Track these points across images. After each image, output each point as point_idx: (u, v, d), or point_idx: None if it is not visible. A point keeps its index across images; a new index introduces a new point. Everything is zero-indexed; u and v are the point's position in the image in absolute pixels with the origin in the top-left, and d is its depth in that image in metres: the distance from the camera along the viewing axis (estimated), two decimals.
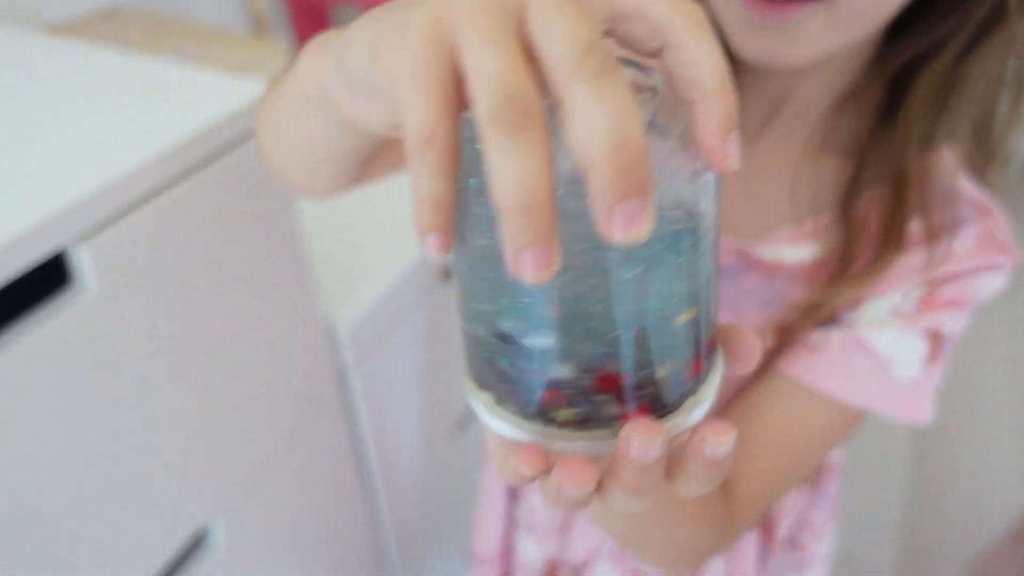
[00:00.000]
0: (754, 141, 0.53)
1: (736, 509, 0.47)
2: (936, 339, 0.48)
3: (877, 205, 0.49)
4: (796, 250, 0.51)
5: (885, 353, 0.47)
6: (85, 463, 0.52)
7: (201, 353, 0.59)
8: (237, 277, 0.61)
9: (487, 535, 0.75)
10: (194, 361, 0.59)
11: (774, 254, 0.51)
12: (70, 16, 1.09)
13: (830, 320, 0.49)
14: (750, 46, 0.43)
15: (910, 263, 0.48)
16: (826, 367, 0.48)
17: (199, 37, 1.05)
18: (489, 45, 0.20)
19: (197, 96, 0.58)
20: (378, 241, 0.87)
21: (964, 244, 0.48)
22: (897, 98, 0.47)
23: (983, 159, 0.49)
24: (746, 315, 0.53)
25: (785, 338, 0.51)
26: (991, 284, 0.49)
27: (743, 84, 0.53)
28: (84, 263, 0.48)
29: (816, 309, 0.48)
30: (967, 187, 0.50)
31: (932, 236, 0.47)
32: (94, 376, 0.51)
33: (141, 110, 0.56)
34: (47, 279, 0.48)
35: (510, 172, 0.19)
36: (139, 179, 0.49)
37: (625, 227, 0.18)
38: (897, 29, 0.46)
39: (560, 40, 0.20)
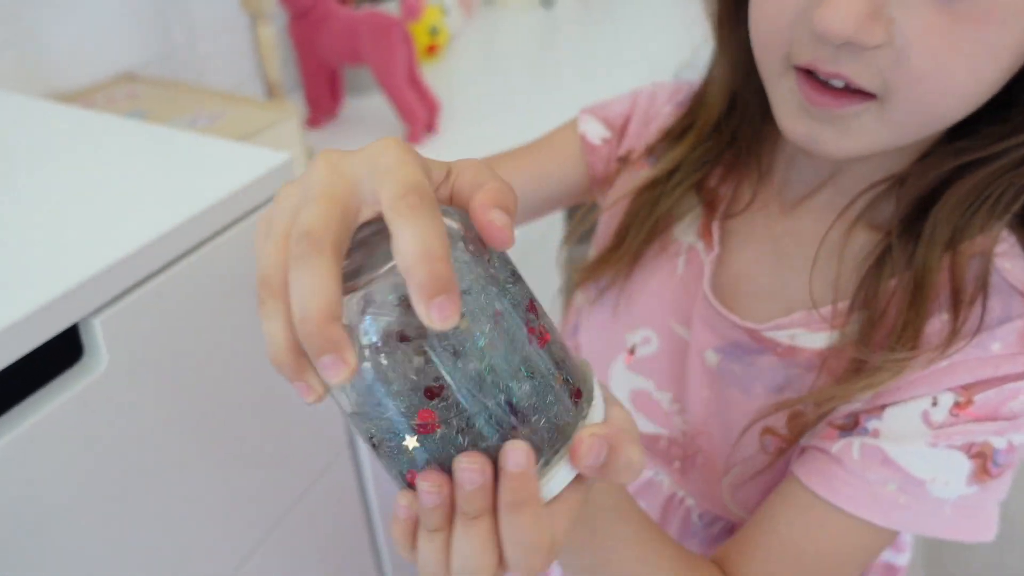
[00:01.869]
0: (786, 213, 0.51)
1: None
2: (981, 455, 0.42)
3: (899, 297, 0.45)
4: (812, 336, 0.48)
5: (919, 472, 0.42)
6: (100, 533, 0.52)
7: (214, 420, 0.60)
8: (248, 342, 0.61)
9: None
10: (206, 428, 0.59)
11: (789, 338, 0.48)
12: (84, 82, 1.12)
13: (852, 426, 0.45)
14: (796, 129, 0.42)
15: (937, 365, 0.43)
16: (851, 485, 0.43)
17: (215, 101, 1.08)
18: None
19: (209, 166, 0.59)
20: None
21: (1005, 344, 0.42)
22: (939, 192, 0.44)
23: None
24: (757, 397, 0.50)
25: (798, 429, 0.47)
26: None
27: (780, 153, 0.52)
28: (97, 335, 0.49)
29: (828, 403, 0.45)
30: (1016, 274, 0.44)
31: (955, 333, 0.42)
32: (108, 447, 0.51)
33: (154, 180, 0.57)
34: (59, 349, 0.48)
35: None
36: (152, 252, 0.50)
37: (440, 317, 0.23)
38: (966, 123, 0.43)
39: (387, 188, 0.26)
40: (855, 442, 0.44)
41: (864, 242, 0.47)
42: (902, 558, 0.59)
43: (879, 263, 0.45)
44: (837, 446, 0.44)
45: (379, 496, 0.85)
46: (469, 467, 0.27)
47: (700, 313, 0.52)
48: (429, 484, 0.27)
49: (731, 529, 0.54)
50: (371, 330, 0.26)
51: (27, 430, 0.45)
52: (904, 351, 0.42)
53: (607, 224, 0.60)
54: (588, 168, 0.61)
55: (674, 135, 0.56)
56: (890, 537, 0.45)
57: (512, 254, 0.30)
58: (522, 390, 0.28)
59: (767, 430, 0.49)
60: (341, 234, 0.26)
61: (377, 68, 1.15)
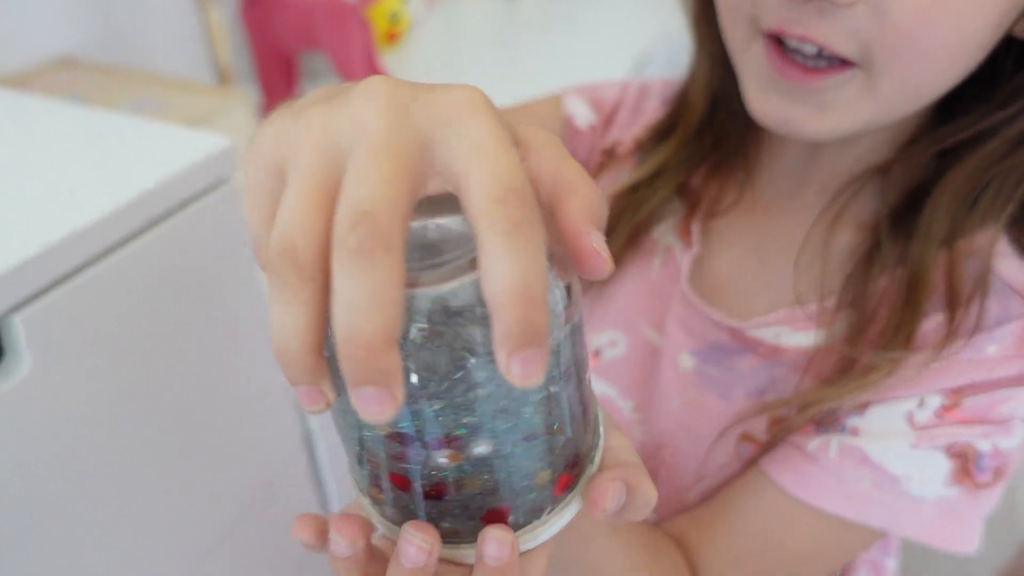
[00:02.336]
0: (766, 213, 0.48)
1: None
2: (964, 458, 0.40)
3: (891, 295, 0.42)
4: (797, 335, 0.45)
5: (895, 469, 0.40)
6: (27, 542, 0.48)
7: (152, 424, 0.55)
8: (198, 338, 0.57)
9: None
10: (144, 434, 0.55)
11: (774, 338, 0.45)
12: (21, 66, 1.06)
13: (831, 422, 0.42)
14: (766, 109, 0.38)
15: (928, 365, 0.40)
16: (823, 482, 0.41)
17: (159, 86, 1.03)
18: (372, 168, 0.19)
19: (145, 151, 0.55)
20: None
21: (1001, 346, 0.39)
22: (931, 183, 0.41)
23: None
24: (737, 401, 0.46)
25: (779, 434, 0.44)
26: None
27: (764, 149, 0.49)
28: (19, 334, 0.44)
29: (817, 405, 0.42)
30: (1015, 275, 0.41)
31: (951, 335, 0.39)
32: (34, 455, 0.47)
33: (83, 167, 0.53)
34: None
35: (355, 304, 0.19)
36: (78, 244, 0.46)
37: (522, 375, 0.19)
38: (949, 106, 0.40)
39: (479, 179, 0.19)
40: (833, 440, 0.42)
41: (848, 239, 0.44)
42: (890, 561, 0.57)
43: (867, 260, 0.42)
44: (814, 444, 0.42)
45: (340, 498, 0.81)
46: (419, 545, 0.23)
47: (676, 315, 0.49)
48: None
49: None
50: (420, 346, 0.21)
51: None
52: (897, 345, 0.40)
53: None
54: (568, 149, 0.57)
55: (660, 135, 0.52)
56: (869, 536, 0.43)
57: None
58: (554, 442, 0.25)
59: (745, 436, 0.46)
60: (409, 219, 0.20)
61: (334, 54, 1.11)
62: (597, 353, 0.53)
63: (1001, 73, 0.38)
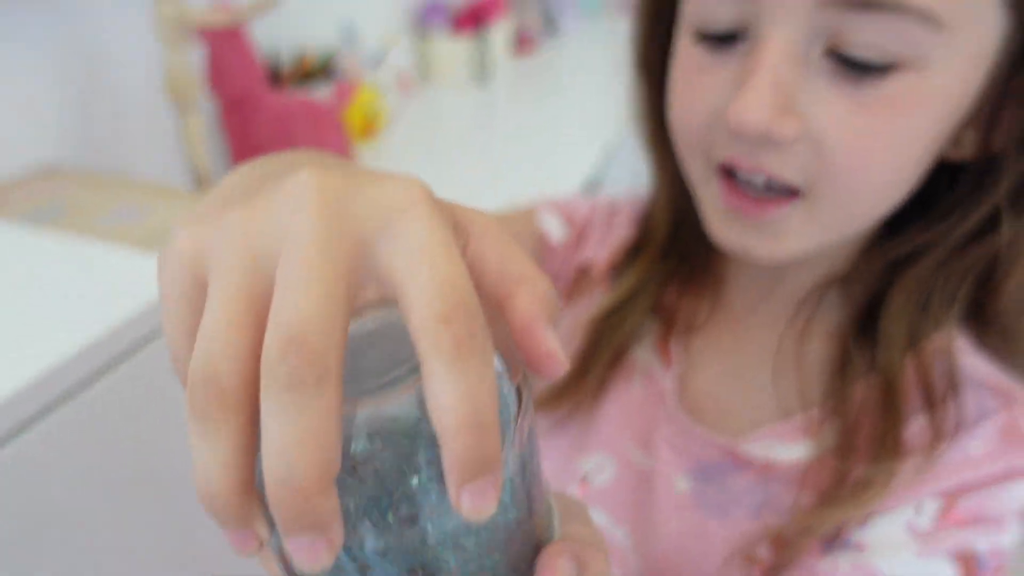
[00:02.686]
0: (739, 326, 0.50)
1: None
2: (968, 561, 0.40)
3: (870, 402, 0.43)
4: (788, 448, 0.45)
5: None
6: None
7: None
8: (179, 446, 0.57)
9: None
10: None
11: (765, 452, 0.46)
12: (4, 174, 1.07)
13: (836, 539, 0.43)
14: (727, 239, 0.41)
15: (922, 470, 0.41)
16: None
17: (141, 194, 1.04)
18: (305, 286, 0.17)
19: (109, 284, 0.55)
20: None
21: (984, 444, 0.41)
22: (887, 291, 0.43)
23: (1001, 344, 0.43)
24: (736, 521, 0.46)
25: (783, 554, 0.44)
26: None
27: (731, 265, 0.51)
28: None
29: (819, 527, 0.42)
30: (985, 372, 0.43)
31: (936, 436, 0.41)
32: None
33: (42, 305, 0.54)
34: None
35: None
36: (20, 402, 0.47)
37: (473, 507, 0.18)
38: (898, 219, 0.43)
39: (420, 292, 0.18)
40: (841, 560, 0.42)
41: (820, 348, 0.46)
42: None
43: (841, 369, 0.44)
44: (823, 565, 0.42)
45: None
46: None
47: (665, 436, 0.49)
48: None
49: None
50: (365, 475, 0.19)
51: None
52: (889, 459, 0.41)
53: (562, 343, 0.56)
54: (541, 268, 0.58)
55: (630, 256, 0.54)
56: None
57: None
58: (511, 549, 0.23)
59: (748, 559, 0.46)
60: (345, 337, 0.18)
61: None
62: (585, 479, 0.53)
63: (937, 190, 0.41)
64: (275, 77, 1.36)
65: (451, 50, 1.83)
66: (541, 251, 0.58)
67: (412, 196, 0.19)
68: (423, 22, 1.87)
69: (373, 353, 0.20)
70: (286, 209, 0.18)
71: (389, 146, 1.55)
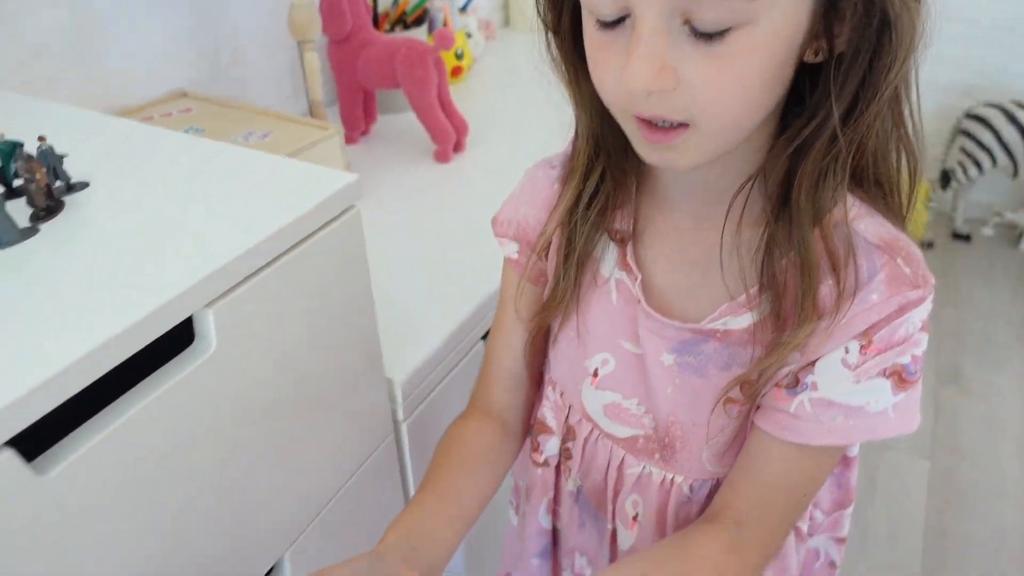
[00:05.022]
0: (683, 233, 0.63)
1: (748, 557, 0.59)
2: (896, 373, 0.55)
3: (792, 273, 0.55)
4: (738, 320, 0.60)
5: (855, 402, 0.55)
6: (196, 495, 0.61)
7: (289, 403, 0.69)
8: (321, 338, 0.71)
9: None
10: (282, 411, 0.68)
11: (723, 326, 0.60)
12: (139, 99, 1.21)
13: (795, 384, 0.57)
14: (651, 157, 0.54)
15: (837, 323, 0.54)
16: (811, 428, 0.56)
17: (263, 119, 1.17)
18: None
19: (289, 183, 0.69)
20: (429, 296, 0.97)
21: (878, 292, 0.54)
22: (793, 177, 0.54)
23: (879, 194, 0.56)
24: (713, 376, 0.61)
25: (751, 392, 0.59)
26: (919, 317, 0.54)
27: (660, 180, 0.63)
28: (207, 326, 0.58)
29: (770, 368, 0.57)
30: (871, 232, 0.55)
31: (841, 295, 0.53)
32: (209, 419, 0.60)
33: (241, 197, 0.67)
34: (175, 337, 0.58)
35: None
36: (249, 258, 0.60)
37: None
38: (787, 119, 0.53)
39: None
40: (804, 398, 0.57)
41: (751, 236, 0.58)
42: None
43: (769, 250, 0.56)
44: (792, 406, 0.57)
45: (417, 477, 0.94)
46: None
47: (646, 328, 0.64)
48: None
49: (718, 486, 0.66)
50: None
51: (146, 405, 0.55)
52: (808, 316, 0.54)
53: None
54: (532, 280, 0.72)
55: (564, 184, 0.67)
56: (840, 453, 0.62)
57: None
58: None
59: (728, 400, 0.61)
60: None
61: (411, 92, 1.25)
62: (595, 373, 0.69)
63: (813, 91, 0.52)
64: (374, 20, 1.47)
65: None
66: (515, 270, 0.72)
67: None
68: None
69: None
70: None
71: (473, 85, 1.65)
